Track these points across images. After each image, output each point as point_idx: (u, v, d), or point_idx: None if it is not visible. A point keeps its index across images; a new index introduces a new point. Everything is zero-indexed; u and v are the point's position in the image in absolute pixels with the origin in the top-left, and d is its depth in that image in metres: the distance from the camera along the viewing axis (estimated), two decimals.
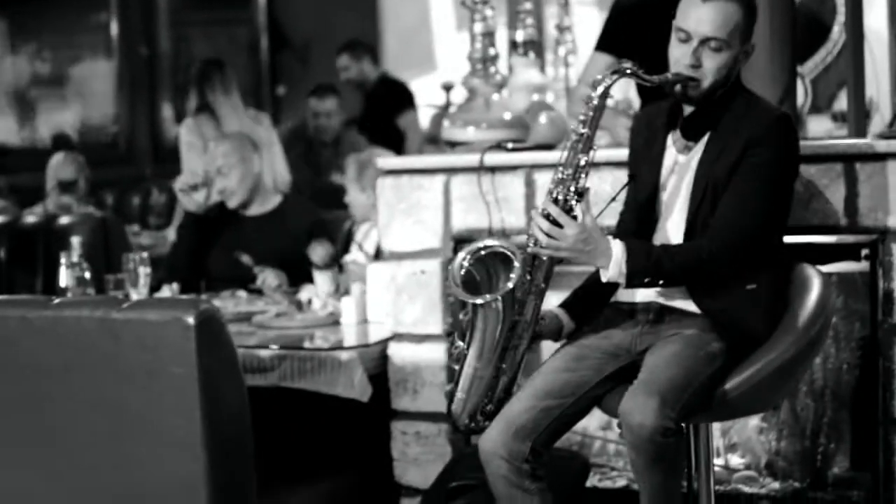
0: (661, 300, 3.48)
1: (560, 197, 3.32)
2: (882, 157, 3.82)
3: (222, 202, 5.48)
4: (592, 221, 3.31)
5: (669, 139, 3.54)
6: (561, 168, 3.34)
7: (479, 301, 3.31)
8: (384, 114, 8.04)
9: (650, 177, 3.52)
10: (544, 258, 3.35)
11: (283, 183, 6.45)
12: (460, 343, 3.41)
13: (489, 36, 4.60)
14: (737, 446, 4.34)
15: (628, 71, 3.37)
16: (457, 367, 3.43)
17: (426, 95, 9.49)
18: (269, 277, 5.20)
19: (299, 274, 5.20)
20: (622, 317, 3.52)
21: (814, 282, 3.48)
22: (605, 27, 4.99)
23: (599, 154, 3.60)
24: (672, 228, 3.48)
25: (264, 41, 10.81)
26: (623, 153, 3.72)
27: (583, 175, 3.33)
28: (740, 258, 3.39)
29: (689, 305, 3.44)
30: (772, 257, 3.49)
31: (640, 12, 4.74)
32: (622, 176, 3.72)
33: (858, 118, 4.41)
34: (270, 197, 5.60)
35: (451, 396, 3.47)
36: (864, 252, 3.89)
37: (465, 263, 3.37)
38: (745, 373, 3.33)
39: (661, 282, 3.38)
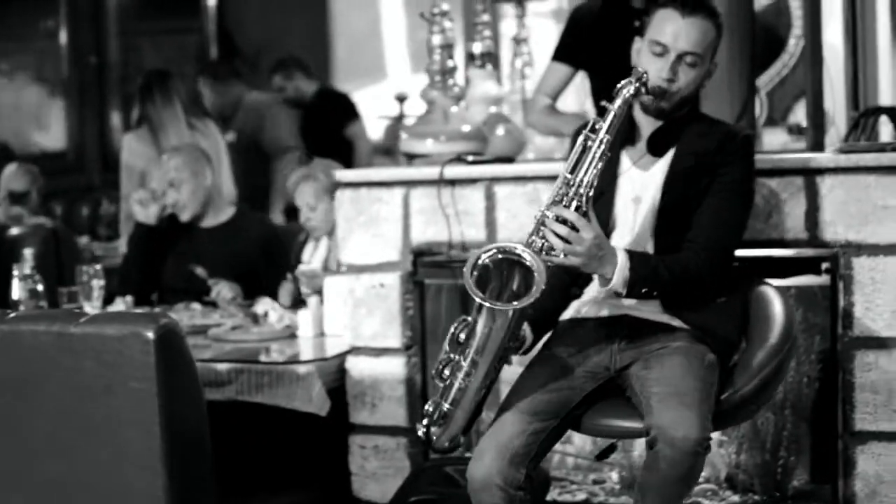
0: (633, 313, 3.47)
1: (572, 203, 3.24)
2: (843, 171, 3.83)
3: (174, 214, 5.46)
4: (599, 228, 3.28)
5: (624, 154, 3.53)
6: (570, 174, 3.26)
7: (511, 307, 3.14)
8: (327, 126, 7.94)
9: (605, 190, 3.47)
10: (549, 265, 3.23)
11: (230, 194, 6.44)
12: (452, 355, 3.23)
13: (448, 48, 4.59)
14: None
15: (637, 81, 3.33)
16: (442, 383, 3.26)
17: (377, 104, 9.48)
18: (223, 290, 5.16)
19: (253, 286, 5.17)
20: (593, 333, 3.49)
21: (775, 301, 3.52)
22: (563, 37, 5.00)
23: (547, 166, 3.62)
24: (634, 241, 3.48)
25: (214, 50, 10.74)
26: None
27: (596, 181, 3.27)
28: (721, 272, 3.45)
29: (663, 318, 3.45)
30: (733, 270, 3.54)
31: (596, 22, 4.74)
32: None
33: (817, 132, 4.44)
34: (224, 208, 5.58)
35: (433, 412, 3.29)
36: (825, 266, 3.90)
37: (483, 260, 3.21)
38: (728, 390, 3.38)
39: (655, 293, 3.36)
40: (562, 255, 3.22)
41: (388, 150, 8.82)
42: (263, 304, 4.85)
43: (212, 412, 3.60)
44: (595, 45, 4.69)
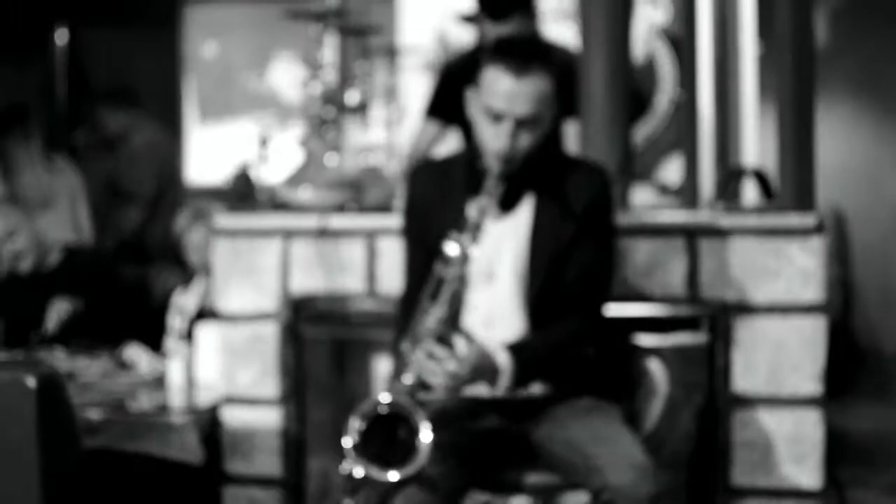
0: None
1: (437, 333, 3.19)
2: (725, 231, 3.91)
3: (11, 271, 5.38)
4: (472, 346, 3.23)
5: (473, 204, 3.35)
6: (427, 302, 3.21)
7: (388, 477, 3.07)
8: None
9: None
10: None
11: (87, 233, 6.34)
12: None
13: (328, 98, 4.58)
14: None
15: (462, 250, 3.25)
16: None
17: (229, 146, 9.41)
18: (60, 310, 5.09)
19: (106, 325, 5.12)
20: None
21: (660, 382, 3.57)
22: (434, 94, 5.02)
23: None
24: (500, 297, 3.43)
25: (62, 86, 10.56)
26: None
27: (457, 305, 3.26)
28: (596, 331, 3.48)
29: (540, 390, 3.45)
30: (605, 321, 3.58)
31: (466, 77, 4.77)
32: None
33: (692, 191, 4.53)
34: (54, 252, 5.50)
35: None
36: (705, 324, 3.96)
37: (361, 427, 3.12)
38: None
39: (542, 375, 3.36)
40: (443, 388, 3.16)
41: (243, 196, 8.65)
42: (132, 351, 4.78)
43: (82, 460, 3.54)
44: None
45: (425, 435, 3.05)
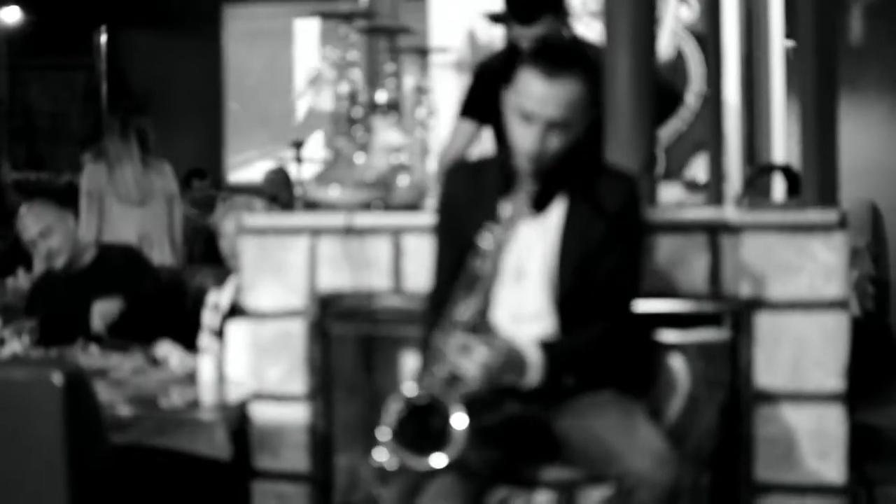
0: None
1: (469, 325, 3.23)
2: (747, 227, 3.91)
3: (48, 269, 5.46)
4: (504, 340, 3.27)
5: (502, 205, 3.38)
6: (462, 292, 3.25)
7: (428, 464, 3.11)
8: None
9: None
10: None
11: (179, 236, 6.49)
12: None
13: (354, 97, 4.61)
14: None
15: None
16: None
17: (270, 148, 9.48)
18: (104, 310, 5.17)
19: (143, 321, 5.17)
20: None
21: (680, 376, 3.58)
22: (468, 94, 5.03)
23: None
24: (528, 295, 3.47)
25: (104, 88, 10.67)
26: None
27: (490, 298, 3.28)
28: (624, 330, 3.49)
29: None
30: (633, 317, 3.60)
31: (499, 77, 4.79)
32: None
33: (717, 187, 4.53)
34: (86, 251, 5.57)
35: None
36: (728, 321, 3.96)
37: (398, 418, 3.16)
38: None
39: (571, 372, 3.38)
40: (476, 380, 3.19)
41: (274, 198, 8.75)
42: (164, 348, 4.83)
43: (112, 456, 3.59)
44: (498, 99, 4.74)
45: (460, 422, 3.09)
